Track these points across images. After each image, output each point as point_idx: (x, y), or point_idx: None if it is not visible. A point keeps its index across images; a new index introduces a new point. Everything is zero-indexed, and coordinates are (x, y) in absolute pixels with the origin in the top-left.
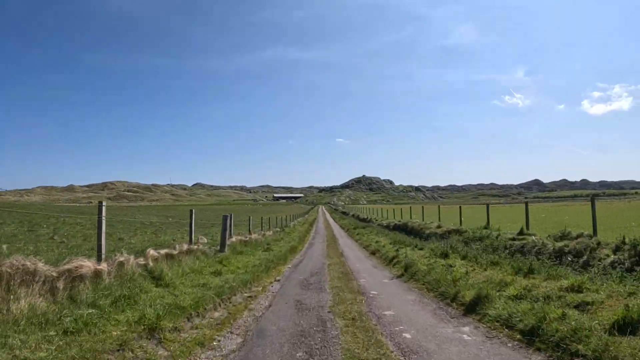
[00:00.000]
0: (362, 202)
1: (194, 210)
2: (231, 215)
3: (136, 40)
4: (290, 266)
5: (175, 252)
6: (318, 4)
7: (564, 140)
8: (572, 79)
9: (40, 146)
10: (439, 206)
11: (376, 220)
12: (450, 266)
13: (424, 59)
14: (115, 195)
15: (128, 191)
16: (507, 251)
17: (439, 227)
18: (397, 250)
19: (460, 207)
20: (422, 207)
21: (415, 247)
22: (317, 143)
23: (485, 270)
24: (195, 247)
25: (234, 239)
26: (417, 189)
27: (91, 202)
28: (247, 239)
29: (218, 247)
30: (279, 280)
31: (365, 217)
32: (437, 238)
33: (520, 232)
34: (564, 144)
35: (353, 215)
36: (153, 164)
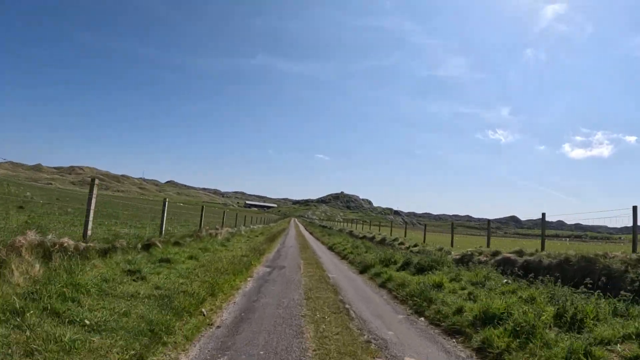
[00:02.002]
0: (338, 219)
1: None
2: None
3: (125, 26)
4: None
5: None
6: (314, 18)
7: (541, 181)
8: (556, 121)
9: (21, 123)
10: None
11: (403, 244)
12: None
13: (412, 86)
14: (80, 180)
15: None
16: None
17: None
18: None
19: None
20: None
21: None
22: (297, 156)
23: None
24: None
25: None
26: (396, 212)
27: (50, 184)
28: None
29: None
30: None
31: (371, 236)
32: None
33: None
34: (541, 184)
35: (341, 231)
36: (130, 156)
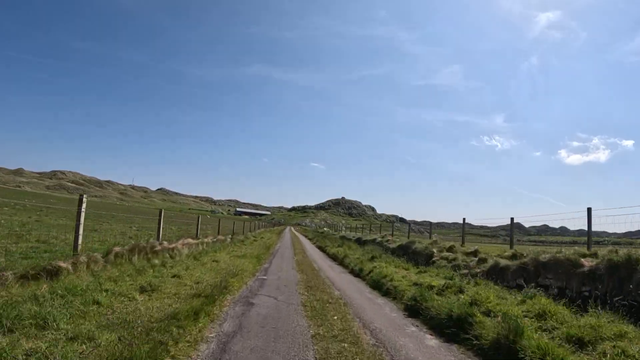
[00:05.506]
0: (341, 227)
1: None
2: None
3: (121, 34)
4: None
5: None
6: (309, 28)
7: (538, 187)
8: (551, 127)
9: (11, 129)
10: None
11: None
12: None
13: (407, 94)
14: (56, 184)
15: (72, 183)
16: None
17: None
18: None
19: None
20: None
21: None
22: (291, 164)
23: None
24: None
25: None
26: (402, 219)
27: (19, 187)
28: None
29: None
30: None
31: None
32: None
33: None
34: (538, 191)
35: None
36: (127, 163)
